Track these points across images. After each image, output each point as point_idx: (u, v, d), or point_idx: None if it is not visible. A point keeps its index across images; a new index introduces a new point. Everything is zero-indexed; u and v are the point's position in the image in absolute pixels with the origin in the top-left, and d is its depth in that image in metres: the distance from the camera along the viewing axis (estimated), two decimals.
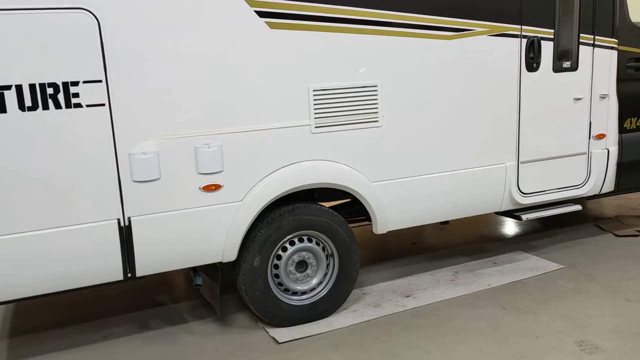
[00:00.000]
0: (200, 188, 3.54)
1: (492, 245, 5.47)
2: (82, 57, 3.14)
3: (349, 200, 4.23)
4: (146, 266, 3.49)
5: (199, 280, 3.89)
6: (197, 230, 3.56)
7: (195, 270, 3.95)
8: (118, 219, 3.37)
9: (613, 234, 5.59)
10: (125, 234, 3.40)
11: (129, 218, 3.39)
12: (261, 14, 3.53)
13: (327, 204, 4.19)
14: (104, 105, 3.24)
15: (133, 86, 3.29)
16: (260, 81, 3.60)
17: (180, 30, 3.35)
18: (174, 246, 3.52)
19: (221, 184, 3.59)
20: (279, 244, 3.87)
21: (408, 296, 4.37)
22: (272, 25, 3.57)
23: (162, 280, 4.97)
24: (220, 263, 3.77)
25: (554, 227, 5.86)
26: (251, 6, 3.50)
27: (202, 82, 3.45)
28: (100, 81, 3.21)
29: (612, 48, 4.63)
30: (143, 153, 3.36)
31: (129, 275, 3.47)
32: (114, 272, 3.42)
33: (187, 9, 3.35)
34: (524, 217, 4.60)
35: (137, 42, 3.26)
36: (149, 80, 3.32)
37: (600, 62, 4.60)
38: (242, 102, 3.57)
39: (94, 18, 3.14)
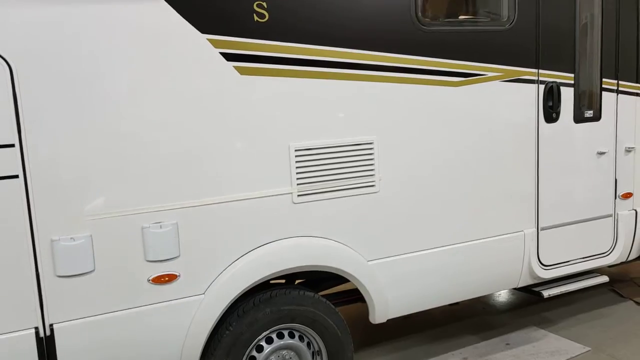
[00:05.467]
0: (149, 280, 2.71)
1: (500, 318, 4.72)
2: None
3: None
4: None
5: None
6: (145, 336, 2.72)
7: None
8: (36, 328, 2.52)
9: (634, 301, 4.91)
10: (46, 347, 2.54)
11: (51, 326, 2.54)
12: (229, 57, 2.80)
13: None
14: (17, 177, 2.43)
15: (57, 150, 2.49)
16: (228, 140, 2.84)
17: (122, 74, 2.58)
18: (113, 359, 2.67)
19: (177, 274, 2.77)
20: (253, 343, 3.05)
21: None
22: (242, 71, 2.83)
23: None
24: None
25: (566, 294, 5.13)
26: (216, 47, 2.77)
27: (151, 142, 2.67)
28: (13, 145, 2.41)
29: (637, 94, 4.02)
30: (71, 238, 2.53)
31: None
32: None
33: (136, 45, 2.59)
34: (546, 293, 3.88)
35: (64, 91, 2.48)
36: (79, 141, 2.53)
37: (624, 110, 3.99)
38: (205, 167, 2.80)
39: (5, 65, 2.36)
